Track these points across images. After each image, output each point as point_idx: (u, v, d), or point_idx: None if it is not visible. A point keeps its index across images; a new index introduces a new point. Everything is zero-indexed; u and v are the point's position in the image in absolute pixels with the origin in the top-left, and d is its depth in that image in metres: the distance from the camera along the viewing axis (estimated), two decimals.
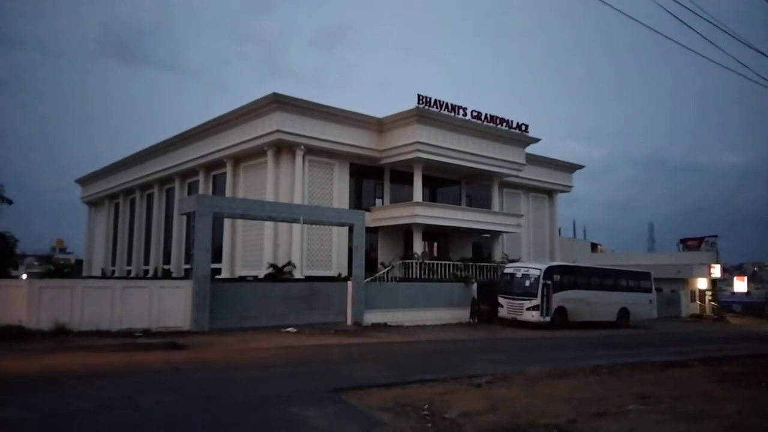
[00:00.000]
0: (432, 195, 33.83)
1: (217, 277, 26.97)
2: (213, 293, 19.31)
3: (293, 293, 21.89)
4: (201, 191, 32.85)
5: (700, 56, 14.83)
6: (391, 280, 26.95)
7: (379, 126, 30.12)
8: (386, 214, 30.71)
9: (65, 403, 8.53)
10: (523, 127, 32.58)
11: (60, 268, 35.52)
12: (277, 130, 26.74)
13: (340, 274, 27.12)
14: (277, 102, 26.75)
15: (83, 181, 50.56)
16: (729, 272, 61.65)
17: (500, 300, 26.67)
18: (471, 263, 30.75)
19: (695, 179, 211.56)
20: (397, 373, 12.03)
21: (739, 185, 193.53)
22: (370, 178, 31.97)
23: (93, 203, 50.58)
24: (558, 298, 25.89)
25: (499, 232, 34.54)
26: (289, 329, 20.12)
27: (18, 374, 11.10)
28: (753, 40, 14.46)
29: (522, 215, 36.59)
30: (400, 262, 28.99)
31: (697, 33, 12.79)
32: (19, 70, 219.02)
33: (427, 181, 31.67)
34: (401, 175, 31.82)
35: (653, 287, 32.50)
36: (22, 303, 16.87)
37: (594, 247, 56.95)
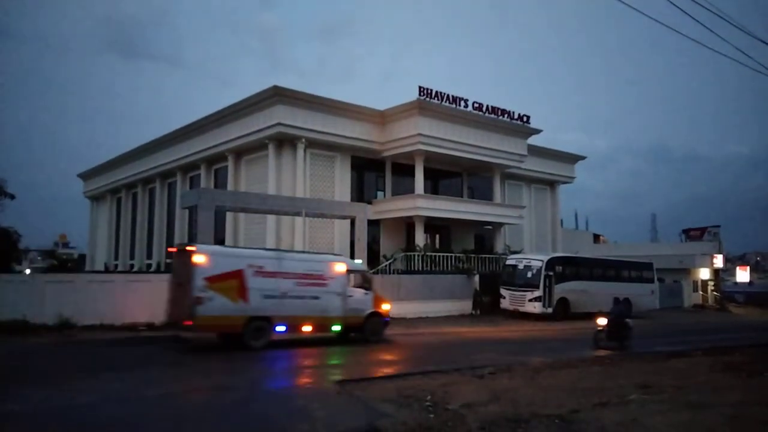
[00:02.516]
0: (434, 187, 33.81)
1: None
2: None
3: None
4: (203, 185, 32.87)
5: (703, 46, 14.77)
6: (394, 273, 26.97)
7: (380, 118, 30.06)
8: (388, 207, 30.70)
9: (72, 397, 8.59)
10: (525, 119, 32.49)
11: (63, 262, 35.73)
12: (278, 123, 26.71)
13: None
14: (278, 95, 26.70)
15: (86, 176, 50.61)
16: (731, 262, 61.56)
17: (502, 291, 26.70)
18: (473, 255, 30.77)
19: (698, 169, 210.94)
20: (400, 365, 12.08)
21: (741, 175, 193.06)
22: (371, 170, 31.94)
23: (95, 198, 50.65)
24: (560, 290, 25.91)
25: (501, 224, 34.52)
26: None
27: (25, 368, 11.20)
28: (754, 30, 14.40)
29: (524, 207, 36.55)
30: (402, 254, 29.00)
31: (699, 23, 12.73)
32: (21, 65, 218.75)
33: (428, 174, 31.63)
34: (403, 168, 31.79)
35: (655, 278, 32.47)
36: (26, 297, 16.96)
37: (596, 238, 56.81)
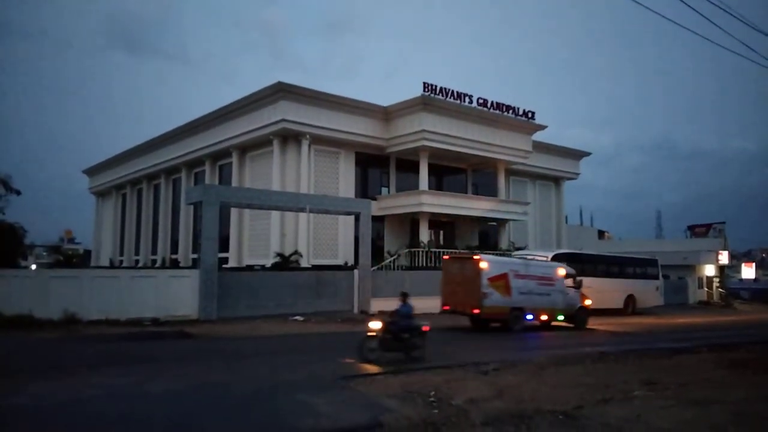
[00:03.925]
0: (438, 183, 33.78)
1: (224, 266, 27.11)
2: (221, 282, 19.43)
3: (300, 282, 21.99)
4: (207, 181, 32.94)
5: (708, 41, 14.69)
6: (398, 269, 27.00)
7: (384, 114, 30.03)
8: (392, 203, 30.70)
9: (76, 391, 8.63)
10: (530, 114, 32.41)
11: (68, 258, 35.82)
12: (283, 119, 26.72)
13: (346, 263, 27.20)
14: (283, 91, 26.71)
15: (90, 172, 50.78)
16: (737, 259, 61.10)
17: None
18: (477, 251, 30.72)
19: (703, 165, 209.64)
20: (403, 361, 12.07)
21: (747, 171, 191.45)
22: (376, 166, 31.95)
23: (100, 193, 50.84)
24: None
25: (506, 220, 34.50)
26: (296, 318, 20.24)
27: (30, 362, 11.26)
28: (759, 23, 14.31)
29: (528, 203, 36.51)
30: (407, 250, 29.02)
31: (704, 17, 12.67)
32: (25, 61, 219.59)
33: (433, 170, 31.61)
34: (407, 164, 31.77)
35: (660, 274, 32.35)
36: (32, 293, 17.06)
37: (601, 234, 56.74)
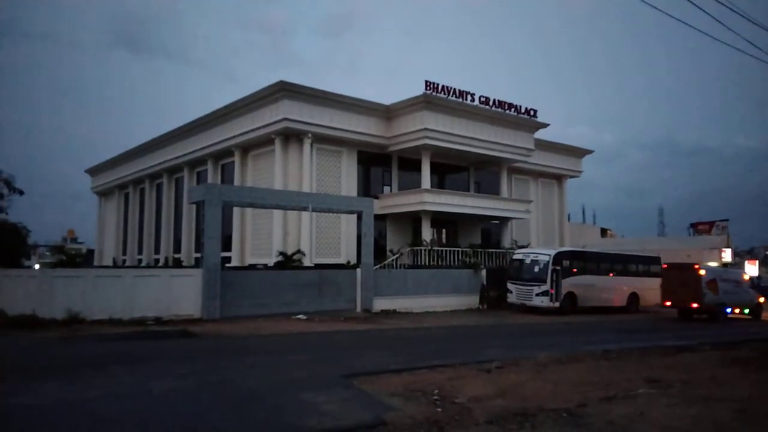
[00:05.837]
0: (440, 182, 33.76)
1: (227, 265, 27.14)
2: (223, 281, 19.45)
3: (303, 281, 22.00)
4: (210, 180, 32.96)
5: (712, 38, 14.64)
6: (400, 268, 27.00)
7: (386, 113, 30.01)
8: (395, 202, 30.69)
9: (80, 391, 8.65)
10: (532, 113, 32.36)
11: (72, 257, 35.66)
12: (285, 119, 26.72)
13: (349, 262, 27.20)
14: (284, 90, 26.70)
15: (93, 171, 50.86)
16: (740, 256, 60.84)
17: (509, 286, 26.65)
18: (480, 250, 30.73)
19: (706, 162, 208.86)
20: (407, 359, 12.09)
21: (751, 168, 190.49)
22: (378, 165, 31.93)
23: (103, 193, 50.91)
24: (567, 284, 25.83)
25: (508, 219, 34.47)
26: (299, 316, 20.25)
27: (34, 362, 11.28)
28: (765, 21, 14.26)
29: (531, 201, 36.48)
30: (409, 249, 29.01)
31: (707, 14, 12.62)
32: (28, 61, 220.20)
33: (435, 168, 31.59)
34: (409, 162, 31.76)
35: None
36: (36, 292, 17.09)
37: (603, 232, 56.65)
